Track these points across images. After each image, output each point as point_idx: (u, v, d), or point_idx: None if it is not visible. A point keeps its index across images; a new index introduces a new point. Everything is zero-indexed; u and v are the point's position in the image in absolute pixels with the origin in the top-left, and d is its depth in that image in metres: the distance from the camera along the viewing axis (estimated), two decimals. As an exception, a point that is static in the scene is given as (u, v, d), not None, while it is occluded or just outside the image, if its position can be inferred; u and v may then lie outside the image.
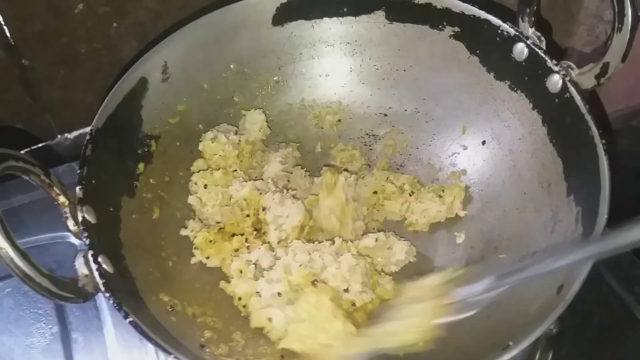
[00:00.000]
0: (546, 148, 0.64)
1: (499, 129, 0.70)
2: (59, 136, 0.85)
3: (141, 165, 0.66)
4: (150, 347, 0.66)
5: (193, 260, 0.66)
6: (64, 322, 0.70)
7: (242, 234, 0.67)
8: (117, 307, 0.49)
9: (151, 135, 0.67)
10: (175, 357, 0.47)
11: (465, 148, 0.74)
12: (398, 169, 0.76)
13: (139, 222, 0.63)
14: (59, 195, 0.53)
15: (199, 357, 0.51)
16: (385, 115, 0.78)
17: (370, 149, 0.78)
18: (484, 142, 0.72)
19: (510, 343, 0.47)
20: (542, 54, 0.63)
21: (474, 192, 0.72)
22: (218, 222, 0.68)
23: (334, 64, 0.78)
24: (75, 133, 0.85)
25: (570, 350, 0.64)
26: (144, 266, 0.59)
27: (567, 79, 0.60)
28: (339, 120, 0.79)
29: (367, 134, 0.78)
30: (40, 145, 0.84)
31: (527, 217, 0.65)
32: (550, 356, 0.64)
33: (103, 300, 0.70)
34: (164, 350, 0.47)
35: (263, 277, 0.61)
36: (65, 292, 0.46)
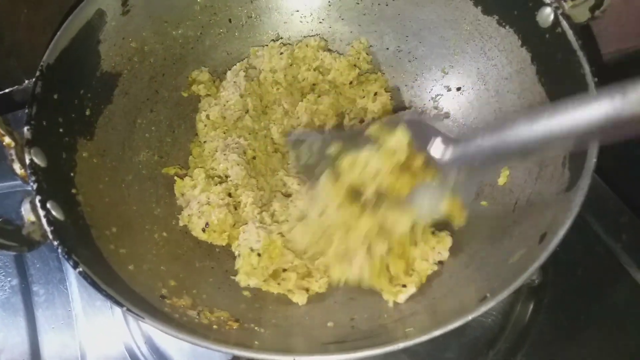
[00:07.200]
0: (534, 88, 0.59)
1: (485, 68, 0.65)
2: (26, 81, 0.81)
3: (101, 105, 0.61)
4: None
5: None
6: (24, 274, 0.67)
7: None
8: (65, 256, 0.45)
9: (111, 73, 0.62)
10: (127, 309, 0.44)
11: (449, 89, 0.69)
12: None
13: (98, 166, 0.58)
14: (4, 135, 0.49)
15: (156, 308, 0.48)
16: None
17: (349, 91, 0.73)
18: (458, 89, 0.68)
19: (488, 295, 0.45)
20: (534, -16, 0.57)
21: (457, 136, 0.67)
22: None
23: (311, -3, 0.73)
24: (43, 78, 0.82)
25: (553, 301, 0.61)
26: (102, 213, 0.55)
27: (559, 11, 0.55)
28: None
29: (346, 74, 0.73)
30: (7, 90, 0.80)
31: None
32: (531, 307, 0.61)
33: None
34: (116, 302, 0.44)
35: None
36: (5, 239, 0.42)
